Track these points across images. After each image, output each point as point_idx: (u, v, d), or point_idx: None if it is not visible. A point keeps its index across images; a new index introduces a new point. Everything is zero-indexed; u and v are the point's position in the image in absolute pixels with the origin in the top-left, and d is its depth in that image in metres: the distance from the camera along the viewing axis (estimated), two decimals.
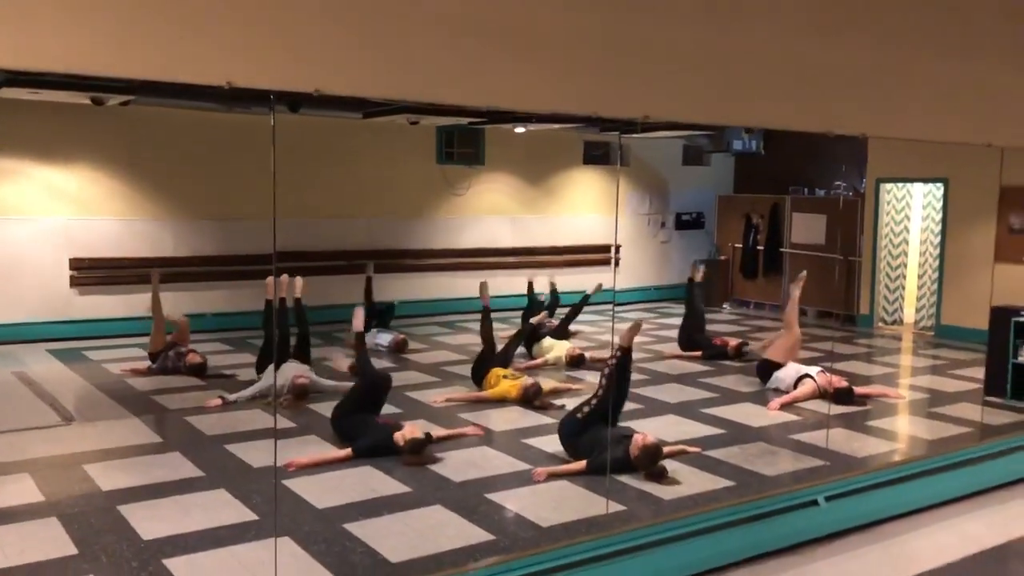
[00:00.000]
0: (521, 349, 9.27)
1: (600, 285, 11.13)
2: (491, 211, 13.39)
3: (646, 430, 6.86)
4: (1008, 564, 4.75)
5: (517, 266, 13.12)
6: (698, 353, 9.96)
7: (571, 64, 4.20)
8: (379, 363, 9.46)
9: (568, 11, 4.15)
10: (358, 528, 4.88)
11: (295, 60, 3.41)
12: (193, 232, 11.18)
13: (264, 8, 3.35)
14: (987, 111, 6.07)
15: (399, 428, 6.20)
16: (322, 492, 5.45)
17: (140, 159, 10.80)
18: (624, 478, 5.73)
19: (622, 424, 6.40)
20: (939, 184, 11.86)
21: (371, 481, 5.68)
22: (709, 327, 11.05)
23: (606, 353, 9.77)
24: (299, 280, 8.28)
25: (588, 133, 13.47)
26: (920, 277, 12.41)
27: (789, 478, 5.79)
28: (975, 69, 5.91)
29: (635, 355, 9.99)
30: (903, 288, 12.66)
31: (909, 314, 12.64)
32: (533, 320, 9.38)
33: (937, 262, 11.85)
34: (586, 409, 6.10)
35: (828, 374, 8.16)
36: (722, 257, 14.78)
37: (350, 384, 7.34)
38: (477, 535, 4.82)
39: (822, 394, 7.91)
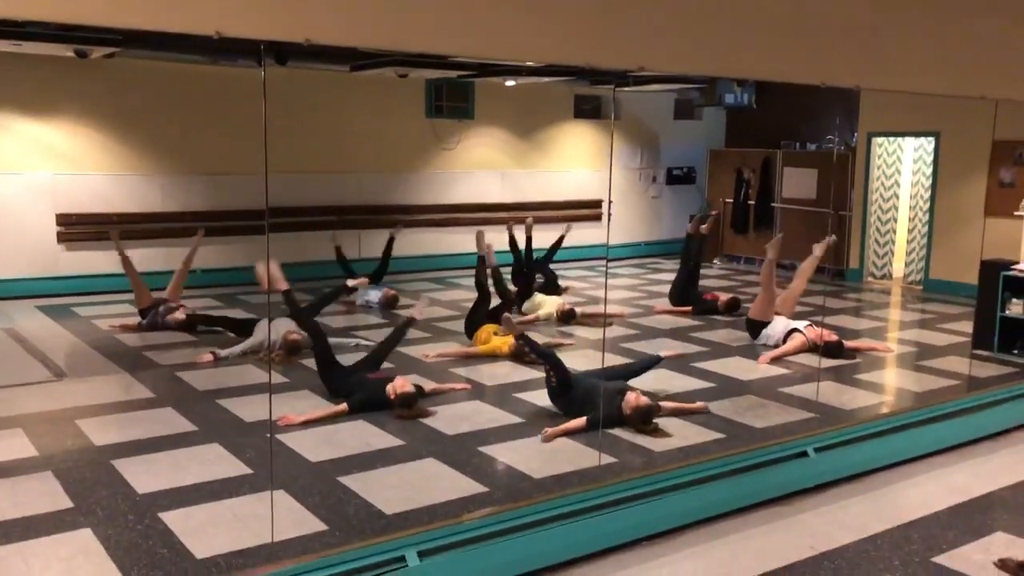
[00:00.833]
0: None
1: (569, 226, 11.37)
2: (481, 166, 13.31)
3: (638, 385, 6.92)
4: (993, 513, 4.83)
5: (507, 221, 13.07)
6: (688, 308, 9.98)
7: (564, 15, 4.15)
8: (369, 318, 9.48)
9: None
10: (352, 481, 4.92)
11: (285, 9, 3.36)
12: (181, 187, 11.08)
13: None
14: (981, 63, 6.03)
15: (391, 381, 6.22)
16: (316, 446, 5.48)
17: (126, 113, 10.66)
18: (616, 431, 5.78)
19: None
20: (930, 138, 11.84)
21: (365, 435, 5.71)
22: (700, 282, 11.05)
23: (597, 308, 9.82)
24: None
25: (579, 86, 13.35)
26: (910, 231, 12.43)
27: (779, 430, 5.85)
28: (970, 21, 5.86)
29: (625, 310, 10.09)
30: (893, 242, 12.69)
31: (898, 268, 12.70)
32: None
33: (927, 216, 11.87)
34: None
35: (817, 328, 8.21)
36: (713, 212, 14.75)
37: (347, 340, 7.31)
38: (470, 487, 4.87)
39: (811, 348, 7.97)
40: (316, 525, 4.37)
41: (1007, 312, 8.11)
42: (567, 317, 9.26)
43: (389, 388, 6.11)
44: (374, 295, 10.12)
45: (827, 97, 12.68)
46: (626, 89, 13.25)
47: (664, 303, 10.30)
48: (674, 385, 6.97)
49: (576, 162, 14.16)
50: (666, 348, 7.42)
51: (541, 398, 6.41)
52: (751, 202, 14.13)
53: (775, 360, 7.82)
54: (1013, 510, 4.89)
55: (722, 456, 4.93)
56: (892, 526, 4.58)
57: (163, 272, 9.96)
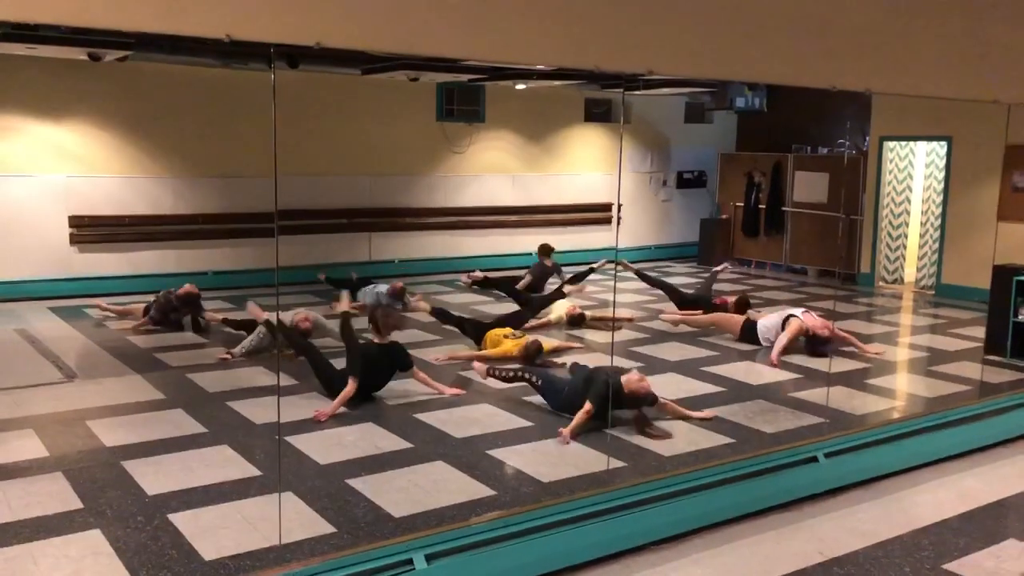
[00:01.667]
0: None
1: (604, 262, 11.23)
2: (492, 169, 13.32)
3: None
4: (1005, 520, 4.79)
5: (518, 225, 13.10)
6: (699, 312, 9.93)
7: (574, 19, 4.15)
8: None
9: None
10: (360, 484, 4.92)
11: (296, 13, 3.37)
12: (193, 189, 11.13)
13: None
14: (994, 67, 6.00)
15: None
16: (324, 448, 5.49)
17: (138, 116, 10.72)
18: (624, 435, 5.77)
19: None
20: (943, 142, 11.78)
21: (373, 437, 5.71)
22: (711, 286, 11.02)
23: (606, 312, 9.81)
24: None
25: (589, 90, 13.34)
26: (922, 236, 12.37)
27: (789, 435, 5.82)
28: (982, 24, 5.83)
29: (635, 313, 10.07)
30: (904, 247, 12.64)
31: (910, 273, 12.64)
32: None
33: (939, 221, 11.81)
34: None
35: (814, 315, 8.29)
36: (723, 216, 14.74)
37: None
38: (479, 490, 4.86)
39: (808, 334, 8.05)
40: (324, 527, 4.37)
41: (1020, 317, 8.06)
42: (576, 321, 9.25)
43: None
44: (382, 288, 10.20)
45: (839, 101, 12.65)
46: (636, 93, 13.23)
47: (673, 307, 10.21)
48: (684, 389, 6.95)
49: (586, 165, 14.16)
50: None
51: None
52: (762, 206, 14.09)
53: (783, 355, 7.83)
54: None
55: (732, 461, 4.91)
56: (903, 532, 4.55)
57: (175, 275, 10.03)
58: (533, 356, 7.50)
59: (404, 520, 4.46)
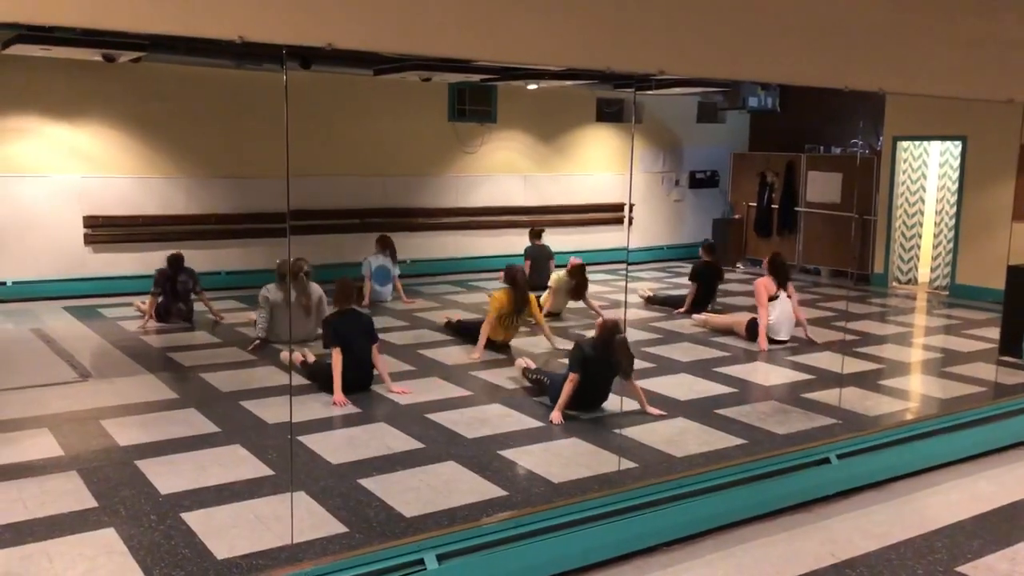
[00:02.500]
0: None
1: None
2: (503, 169, 13.33)
3: (659, 389, 6.91)
4: (1019, 522, 4.76)
5: (529, 225, 13.08)
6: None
7: (586, 19, 4.15)
8: (386, 319, 9.50)
9: None
10: (372, 483, 4.94)
11: (308, 14, 3.38)
12: (206, 189, 11.18)
13: None
14: (1008, 66, 5.96)
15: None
16: (336, 448, 5.51)
17: (152, 116, 10.78)
18: (635, 434, 5.76)
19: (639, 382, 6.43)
20: (957, 142, 11.71)
21: (385, 438, 5.73)
22: (723, 286, 11.01)
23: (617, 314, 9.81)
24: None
25: (601, 90, 13.33)
26: (936, 236, 12.31)
27: (801, 436, 5.80)
28: (996, 23, 5.80)
29: (649, 314, 10.07)
30: (918, 247, 12.57)
31: (924, 273, 12.57)
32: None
33: (953, 221, 11.74)
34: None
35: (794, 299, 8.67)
36: (736, 216, 14.70)
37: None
38: (490, 491, 4.87)
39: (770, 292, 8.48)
40: (336, 527, 4.38)
41: None
42: (577, 272, 9.48)
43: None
44: (385, 291, 10.29)
45: (852, 101, 12.59)
46: (648, 93, 13.21)
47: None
48: (696, 390, 6.94)
49: (598, 166, 14.15)
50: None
51: None
52: (775, 206, 14.04)
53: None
54: None
55: (744, 462, 4.90)
56: (916, 534, 4.53)
57: None
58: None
59: (416, 520, 4.47)
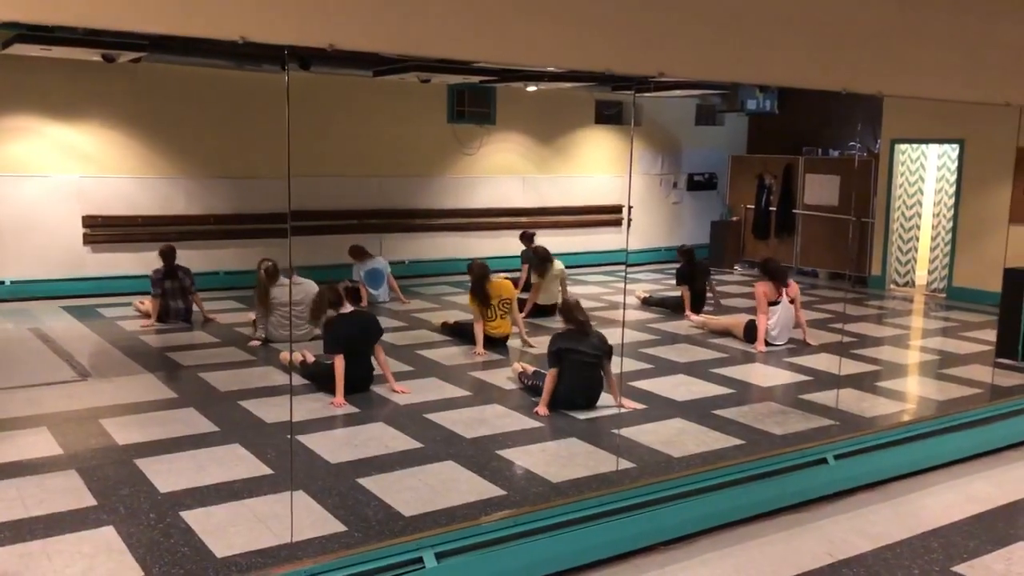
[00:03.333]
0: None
1: None
2: (502, 171, 13.34)
3: (657, 390, 6.94)
4: (1015, 522, 4.78)
5: (528, 226, 13.10)
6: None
7: (585, 21, 4.17)
8: (383, 321, 9.51)
9: None
10: (371, 483, 4.95)
11: (309, 14, 3.40)
12: (205, 190, 11.19)
13: None
14: (1005, 69, 5.99)
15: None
16: (335, 447, 5.52)
17: (152, 117, 10.78)
18: (633, 434, 5.78)
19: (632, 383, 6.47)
20: (954, 145, 11.74)
21: (384, 437, 5.74)
22: (720, 288, 11.05)
23: (615, 314, 9.83)
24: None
25: (600, 92, 13.35)
26: (933, 239, 12.34)
27: (798, 437, 5.82)
28: (993, 26, 5.83)
29: (647, 315, 10.09)
30: (916, 250, 12.60)
31: (921, 276, 12.60)
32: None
33: (951, 224, 11.77)
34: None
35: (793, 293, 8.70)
36: (734, 218, 14.72)
37: None
38: (488, 490, 4.88)
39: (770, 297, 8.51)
40: (335, 526, 4.40)
41: None
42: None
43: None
44: (381, 293, 10.32)
45: (850, 103, 12.62)
46: (647, 95, 13.24)
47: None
48: (693, 391, 6.96)
49: (597, 167, 14.16)
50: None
51: None
52: (772, 208, 14.06)
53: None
54: None
55: (741, 462, 4.92)
56: (912, 534, 4.55)
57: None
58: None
59: (414, 519, 4.48)
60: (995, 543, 4.47)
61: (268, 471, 5.12)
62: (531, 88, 12.46)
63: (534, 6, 4.01)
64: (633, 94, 13.00)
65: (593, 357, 6.27)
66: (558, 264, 9.87)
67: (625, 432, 5.86)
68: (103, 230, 10.64)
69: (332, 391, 6.47)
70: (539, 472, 5.17)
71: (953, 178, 11.82)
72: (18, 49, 8.36)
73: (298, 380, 7.03)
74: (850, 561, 4.24)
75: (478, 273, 8.19)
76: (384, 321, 9.32)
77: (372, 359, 6.81)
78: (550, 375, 6.26)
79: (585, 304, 10.06)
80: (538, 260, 9.80)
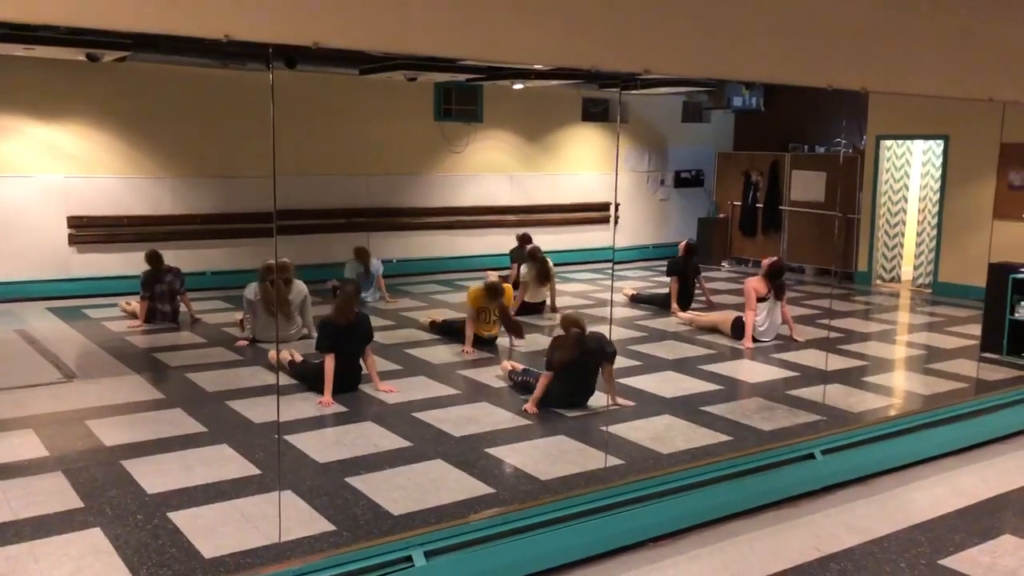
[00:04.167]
0: None
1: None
2: (490, 168, 13.34)
3: (645, 387, 6.95)
4: (1001, 516, 4.82)
5: (516, 224, 13.12)
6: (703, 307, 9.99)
7: (571, 18, 4.16)
8: (367, 310, 9.50)
9: None
10: (360, 482, 4.94)
11: (293, 13, 3.38)
12: (191, 189, 11.14)
13: None
14: (989, 65, 6.03)
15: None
16: (324, 447, 5.51)
17: (137, 116, 10.73)
18: (621, 431, 5.79)
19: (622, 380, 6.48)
20: (939, 141, 11.81)
21: (372, 436, 5.73)
22: (708, 285, 11.08)
23: (602, 312, 9.84)
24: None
25: (587, 90, 13.37)
26: (919, 234, 12.41)
27: (786, 432, 5.85)
28: (977, 23, 5.86)
29: (635, 312, 10.11)
30: (901, 245, 12.67)
31: (907, 271, 12.67)
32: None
33: (936, 219, 11.84)
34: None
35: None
36: (721, 215, 14.76)
37: None
38: (477, 488, 4.88)
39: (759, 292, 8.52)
40: (324, 525, 4.39)
41: (1016, 315, 8.09)
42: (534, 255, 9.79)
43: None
44: (368, 293, 10.35)
45: (835, 100, 12.66)
46: (633, 92, 13.26)
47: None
48: (681, 387, 6.98)
49: (584, 165, 14.18)
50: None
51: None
52: (759, 205, 14.12)
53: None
54: (1021, 513, 4.88)
55: (729, 458, 4.93)
56: (899, 528, 4.57)
57: None
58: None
59: (403, 518, 4.48)
60: (981, 536, 4.50)
61: (256, 471, 5.10)
62: (518, 86, 12.46)
63: (519, 3, 4.00)
64: (619, 92, 13.02)
65: (591, 363, 6.25)
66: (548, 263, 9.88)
67: (614, 429, 5.87)
68: (88, 230, 10.58)
69: (320, 391, 6.47)
70: (528, 470, 5.17)
71: (938, 174, 11.89)
72: (1, 48, 8.30)
73: (286, 380, 7.01)
74: (838, 555, 4.26)
75: (493, 287, 8.06)
76: (372, 320, 9.33)
77: (360, 360, 6.80)
78: (544, 377, 6.23)
79: (573, 302, 10.19)
80: (527, 257, 9.86)
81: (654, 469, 5.06)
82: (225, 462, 5.24)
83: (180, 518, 4.44)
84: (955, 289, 11.35)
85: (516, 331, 7.97)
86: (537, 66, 9.41)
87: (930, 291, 11.86)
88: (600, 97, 13.98)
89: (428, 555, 3.69)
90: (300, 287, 8.37)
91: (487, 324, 8.18)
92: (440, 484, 4.95)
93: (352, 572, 3.56)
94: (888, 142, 12.44)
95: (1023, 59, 6.19)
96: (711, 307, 10.22)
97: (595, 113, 14.15)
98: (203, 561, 4.00)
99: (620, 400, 6.42)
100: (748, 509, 4.71)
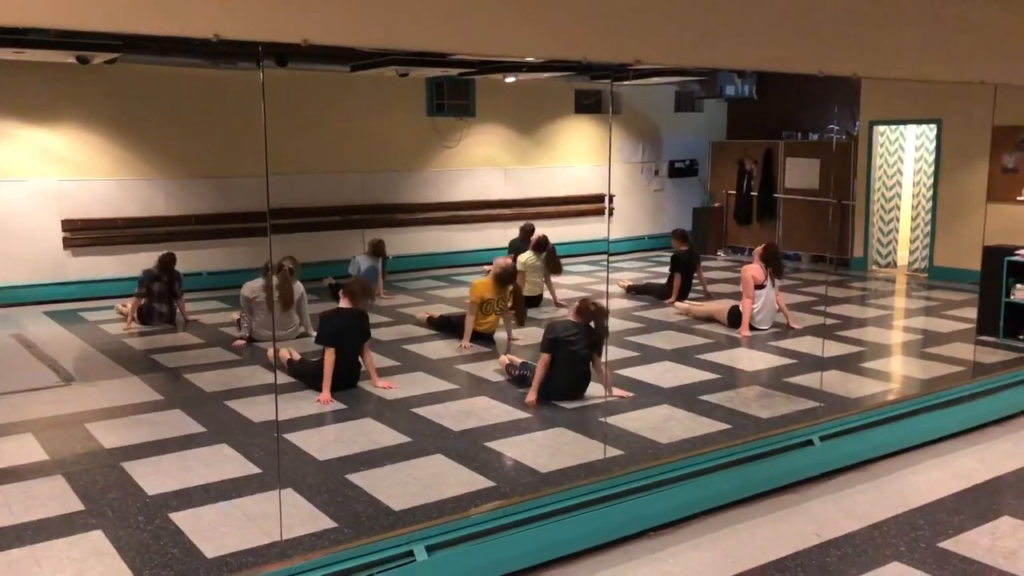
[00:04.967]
0: None
1: None
2: (483, 163, 13.32)
3: (643, 377, 6.96)
4: (999, 498, 4.84)
5: (510, 218, 13.12)
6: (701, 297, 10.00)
7: (560, 10, 4.16)
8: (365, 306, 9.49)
9: None
10: (360, 478, 4.95)
11: (282, 10, 3.37)
12: (185, 190, 11.11)
13: None
14: (980, 48, 6.03)
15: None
16: (323, 444, 5.52)
17: (128, 118, 10.70)
18: (620, 422, 5.80)
19: (622, 372, 6.48)
20: (932, 125, 11.82)
21: (372, 433, 5.74)
22: (704, 275, 11.07)
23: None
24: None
25: (579, 81, 13.35)
26: (913, 219, 12.43)
27: (784, 419, 5.86)
28: (967, 6, 5.86)
29: (633, 303, 10.11)
30: (896, 231, 12.69)
31: (903, 256, 12.69)
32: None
33: (930, 204, 11.86)
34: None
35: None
36: (716, 204, 14.77)
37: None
38: (477, 482, 4.90)
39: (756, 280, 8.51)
40: (325, 523, 4.40)
41: (1012, 298, 8.11)
42: (543, 245, 9.82)
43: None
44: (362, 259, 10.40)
45: (828, 86, 12.69)
46: (625, 83, 13.25)
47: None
48: (679, 377, 6.99)
49: (578, 157, 14.17)
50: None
51: None
52: (754, 193, 14.13)
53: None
54: (1019, 494, 4.90)
55: (728, 446, 4.94)
56: (898, 513, 4.59)
57: None
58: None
59: (404, 513, 4.49)
60: (980, 518, 4.52)
61: (256, 470, 5.11)
62: (510, 79, 12.44)
63: None
64: (610, 83, 13.00)
65: (585, 351, 6.28)
66: (528, 254, 9.86)
67: (612, 420, 5.88)
68: (83, 234, 10.56)
69: (319, 388, 6.47)
70: (528, 462, 5.18)
71: (931, 158, 11.90)
72: None
73: (284, 378, 7.01)
74: (838, 540, 4.27)
75: (507, 271, 8.10)
76: (370, 317, 9.33)
77: (359, 357, 6.80)
78: (542, 360, 6.25)
79: (569, 294, 10.18)
80: (535, 247, 9.89)
81: (653, 459, 5.06)
82: (225, 462, 5.24)
83: (181, 519, 4.45)
84: (950, 273, 11.37)
85: (521, 316, 8.06)
86: (528, 59, 9.39)
87: (926, 275, 11.89)
88: (592, 89, 13.96)
89: (430, 550, 3.70)
90: (298, 285, 8.37)
91: (487, 318, 8.16)
92: (440, 479, 4.95)
93: (354, 568, 3.56)
94: (881, 127, 12.45)
95: (1014, 41, 6.19)
96: (708, 297, 10.22)
97: (587, 105, 14.13)
98: (205, 561, 4.01)
99: (617, 391, 6.43)
100: (748, 497, 4.72)
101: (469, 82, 12.75)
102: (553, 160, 13.95)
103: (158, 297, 9.02)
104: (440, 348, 8.08)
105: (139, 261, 9.32)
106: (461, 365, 7.48)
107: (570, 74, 12.13)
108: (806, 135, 13.90)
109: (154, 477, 4.99)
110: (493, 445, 5.49)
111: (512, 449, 5.42)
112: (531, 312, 9.45)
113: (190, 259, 10.84)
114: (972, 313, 8.89)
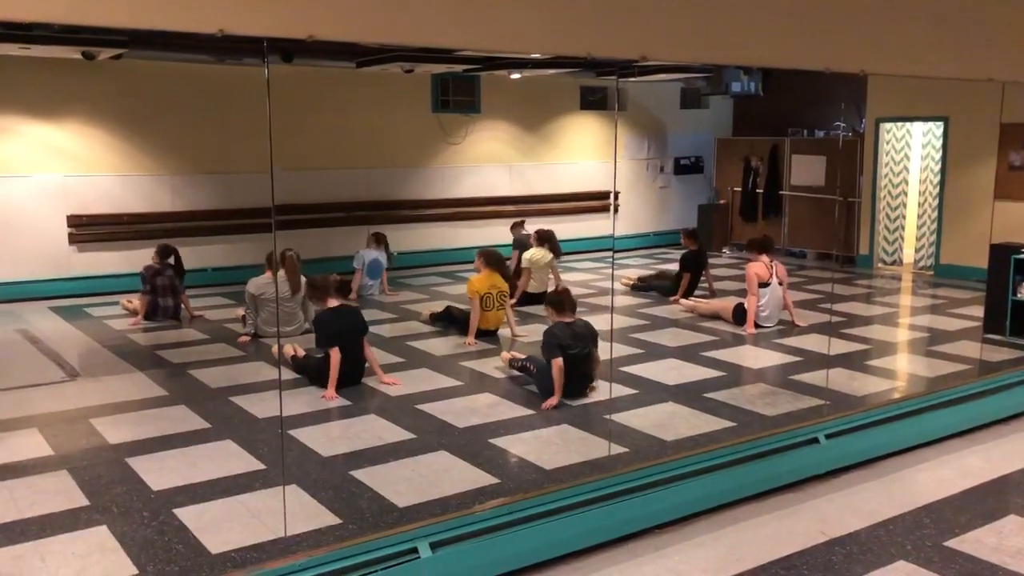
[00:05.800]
0: None
1: None
2: (488, 159, 13.31)
3: (648, 374, 6.95)
4: (1006, 497, 4.82)
5: (515, 215, 13.10)
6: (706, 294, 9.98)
7: (567, 6, 4.15)
8: (373, 312, 9.49)
9: None
10: (364, 475, 4.95)
11: (288, 6, 3.37)
12: (190, 186, 11.12)
13: None
14: (988, 45, 6.00)
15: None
16: (328, 441, 5.52)
17: (134, 114, 10.71)
18: (625, 419, 5.79)
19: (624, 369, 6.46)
20: (939, 123, 11.78)
21: (376, 429, 5.74)
22: (710, 272, 11.04)
23: (603, 300, 9.83)
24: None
25: (584, 78, 13.32)
26: (920, 216, 12.38)
27: (790, 417, 5.85)
28: (976, 3, 5.83)
29: (637, 300, 10.10)
30: (903, 228, 12.65)
31: (909, 254, 12.65)
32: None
33: (937, 201, 11.82)
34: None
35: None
36: (721, 201, 14.74)
37: None
38: (482, 479, 4.89)
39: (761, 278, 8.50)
40: (329, 519, 4.40)
41: (1018, 295, 8.08)
42: (548, 237, 9.90)
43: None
44: (375, 284, 10.32)
45: (835, 83, 12.65)
46: (631, 79, 13.22)
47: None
48: (684, 375, 6.98)
49: (583, 154, 14.15)
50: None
51: None
52: (759, 190, 14.09)
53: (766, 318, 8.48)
54: None
55: (733, 444, 4.93)
56: (904, 511, 4.58)
57: None
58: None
59: (408, 510, 4.49)
60: (986, 517, 4.50)
61: (261, 466, 5.11)
62: (515, 76, 12.42)
63: None
64: (616, 79, 12.98)
65: (585, 349, 6.26)
66: (533, 250, 9.85)
67: (617, 417, 5.87)
68: (88, 229, 10.57)
69: (323, 385, 6.47)
70: (532, 459, 5.17)
71: (938, 155, 11.86)
72: None
73: (289, 374, 7.01)
74: (843, 539, 4.26)
75: (496, 258, 8.25)
76: (374, 313, 9.35)
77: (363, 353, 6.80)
78: (556, 366, 6.10)
79: (574, 291, 10.14)
80: (538, 239, 9.90)
81: (658, 456, 5.05)
82: (229, 458, 5.24)
83: (185, 514, 4.45)
84: (957, 271, 11.33)
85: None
86: (533, 55, 9.38)
87: (932, 273, 11.85)
88: (598, 85, 13.94)
89: (434, 546, 3.70)
90: (304, 281, 8.38)
91: (490, 312, 8.14)
92: (444, 475, 4.95)
93: (358, 565, 3.56)
94: (888, 124, 12.41)
95: (1022, 38, 6.16)
96: (713, 294, 10.20)
97: (593, 101, 14.11)
98: (209, 557, 4.01)
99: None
100: (753, 495, 4.71)
101: (474, 78, 12.74)
102: (558, 157, 13.94)
103: (161, 292, 9.03)
104: (444, 345, 8.07)
105: (144, 257, 9.32)
106: (465, 362, 7.47)
107: (575, 70, 12.10)
108: (812, 132, 13.85)
109: (158, 473, 5.00)
110: (497, 442, 5.48)
111: (516, 446, 5.41)
112: (534, 309, 9.44)
113: (195, 255, 10.85)
114: (979, 311, 8.86)
